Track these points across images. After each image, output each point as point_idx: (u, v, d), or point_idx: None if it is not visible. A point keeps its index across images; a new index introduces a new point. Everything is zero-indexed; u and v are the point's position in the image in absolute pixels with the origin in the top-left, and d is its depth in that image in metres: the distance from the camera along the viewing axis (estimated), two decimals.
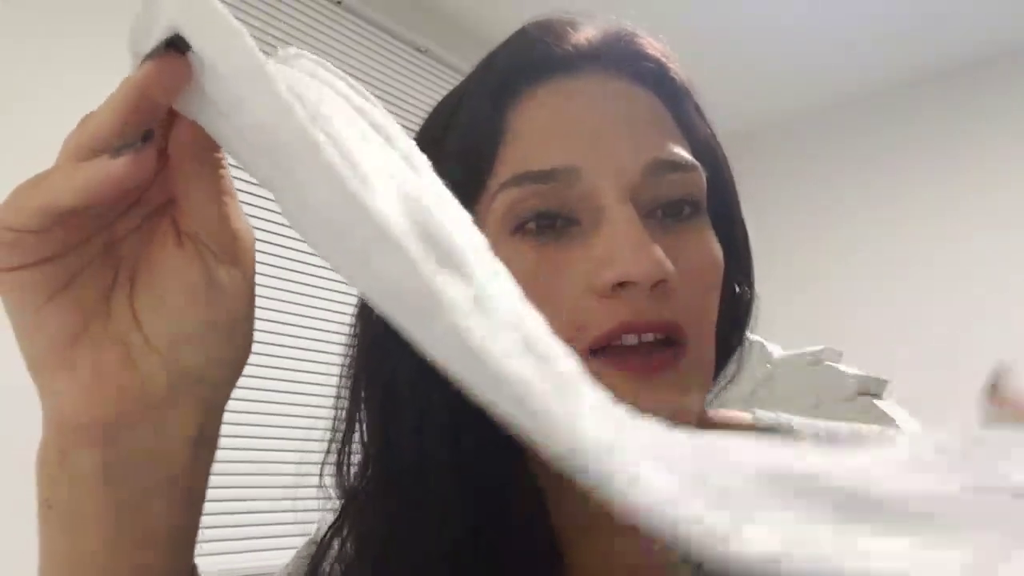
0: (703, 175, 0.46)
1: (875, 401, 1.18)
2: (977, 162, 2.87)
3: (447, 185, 0.36)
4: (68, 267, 0.31)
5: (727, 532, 0.19)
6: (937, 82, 2.95)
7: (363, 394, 0.48)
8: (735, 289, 0.52)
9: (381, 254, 0.25)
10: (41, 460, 0.32)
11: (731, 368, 0.54)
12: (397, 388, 0.45)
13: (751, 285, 0.53)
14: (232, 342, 0.34)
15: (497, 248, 0.38)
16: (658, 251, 0.41)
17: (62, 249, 0.30)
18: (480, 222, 0.44)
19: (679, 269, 0.43)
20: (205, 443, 0.34)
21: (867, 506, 0.21)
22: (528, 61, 0.47)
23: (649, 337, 0.42)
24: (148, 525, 0.33)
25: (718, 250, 0.46)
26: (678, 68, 0.50)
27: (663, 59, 0.49)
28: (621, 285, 0.41)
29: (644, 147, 0.44)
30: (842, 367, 1.24)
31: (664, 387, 0.42)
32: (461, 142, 0.47)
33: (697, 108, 0.50)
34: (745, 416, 0.57)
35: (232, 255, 0.34)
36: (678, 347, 0.43)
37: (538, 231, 0.44)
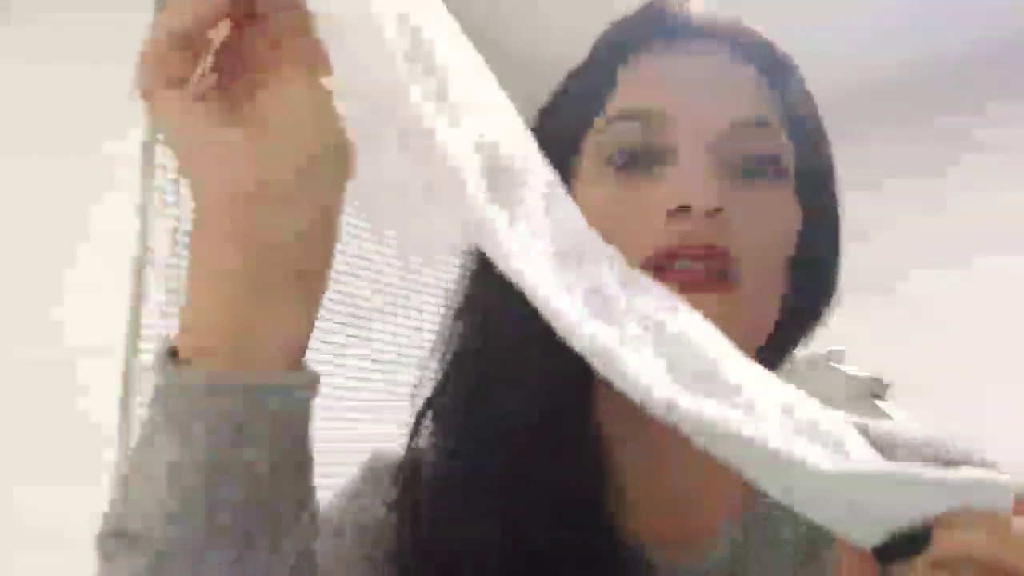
0: (790, 145, 0.51)
1: (877, 402, 1.18)
2: (978, 159, 2.87)
3: (566, 120, 0.53)
4: (202, 86, 0.38)
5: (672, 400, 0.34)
6: (931, 78, 2.94)
7: (464, 314, 0.56)
8: (816, 268, 0.54)
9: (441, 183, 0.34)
10: (191, 232, 0.39)
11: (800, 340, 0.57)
12: (491, 312, 0.53)
13: (834, 268, 0.56)
14: (339, 131, 0.39)
15: (591, 175, 0.53)
16: (714, 185, 0.47)
17: (193, 71, 0.38)
18: (586, 153, 0.53)
19: (748, 221, 0.48)
20: (317, 239, 0.40)
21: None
22: (643, 27, 0.54)
23: (700, 265, 0.47)
24: (263, 290, 0.38)
25: (790, 216, 0.51)
26: (783, 50, 0.54)
27: (768, 39, 0.54)
28: (679, 210, 0.47)
29: (732, 105, 0.50)
30: (844, 368, 1.24)
31: (700, 307, 0.44)
32: (580, 88, 0.55)
33: (801, 89, 0.54)
34: None
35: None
36: (729, 282, 0.47)
37: (625, 164, 0.50)
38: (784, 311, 0.52)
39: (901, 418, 1.13)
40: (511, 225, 0.36)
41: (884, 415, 1.13)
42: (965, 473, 0.32)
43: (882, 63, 2.92)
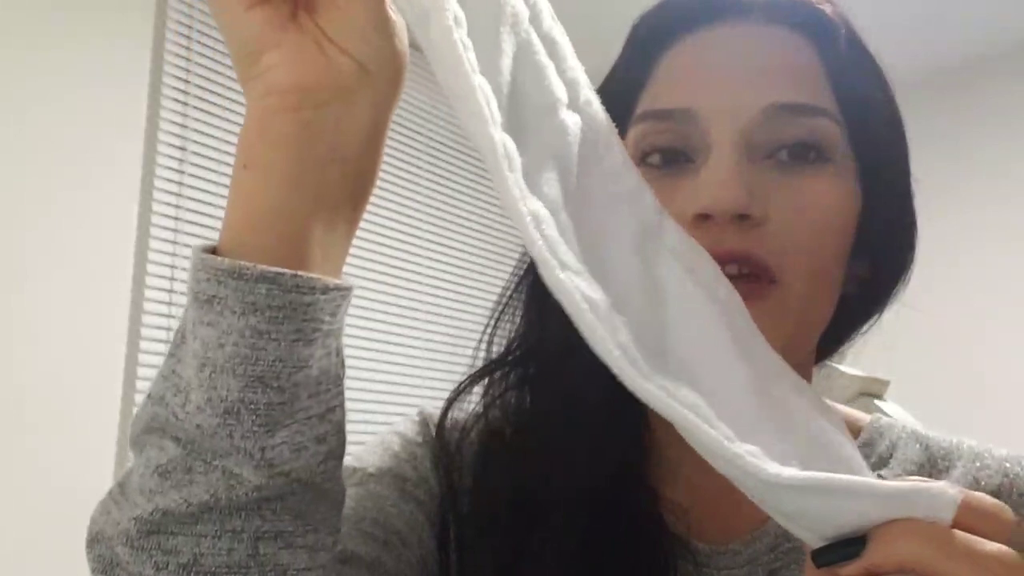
0: (837, 124, 0.48)
1: (876, 402, 1.18)
2: (982, 161, 2.87)
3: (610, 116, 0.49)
4: None
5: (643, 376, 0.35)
6: (928, 84, 2.94)
7: (526, 289, 0.55)
8: (882, 248, 0.52)
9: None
10: (243, 134, 0.39)
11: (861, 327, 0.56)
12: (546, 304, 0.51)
13: (902, 250, 0.54)
14: (394, 38, 0.40)
15: None
16: (743, 188, 0.45)
17: None
18: (629, 147, 0.51)
19: (784, 210, 0.46)
20: (372, 145, 0.40)
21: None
22: (678, 13, 0.52)
23: (733, 269, 0.45)
24: (319, 193, 0.38)
25: (840, 200, 0.48)
26: (843, 18, 0.51)
27: (823, 8, 0.51)
28: (705, 217, 0.45)
29: (767, 91, 0.47)
30: (843, 367, 1.24)
31: None
32: (617, 83, 0.54)
33: (864, 62, 0.51)
34: (862, 417, 0.57)
35: None
36: (764, 283, 0.45)
37: (661, 163, 0.49)
38: (849, 296, 0.51)
39: (901, 417, 1.12)
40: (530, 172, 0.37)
41: (883, 414, 1.13)
42: (909, 483, 0.32)
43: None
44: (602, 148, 0.42)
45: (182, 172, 2.15)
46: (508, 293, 0.56)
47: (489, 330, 0.55)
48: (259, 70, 0.38)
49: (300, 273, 0.37)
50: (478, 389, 0.56)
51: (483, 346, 0.55)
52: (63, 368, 1.81)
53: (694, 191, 0.46)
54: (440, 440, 0.54)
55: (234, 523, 0.37)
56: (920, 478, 0.33)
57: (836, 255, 0.48)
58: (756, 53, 0.49)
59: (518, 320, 0.55)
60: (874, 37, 0.53)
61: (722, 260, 0.44)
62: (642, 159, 0.49)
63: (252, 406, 0.36)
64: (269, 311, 0.36)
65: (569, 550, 0.48)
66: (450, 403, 0.56)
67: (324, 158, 0.38)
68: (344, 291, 0.39)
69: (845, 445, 0.37)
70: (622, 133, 0.50)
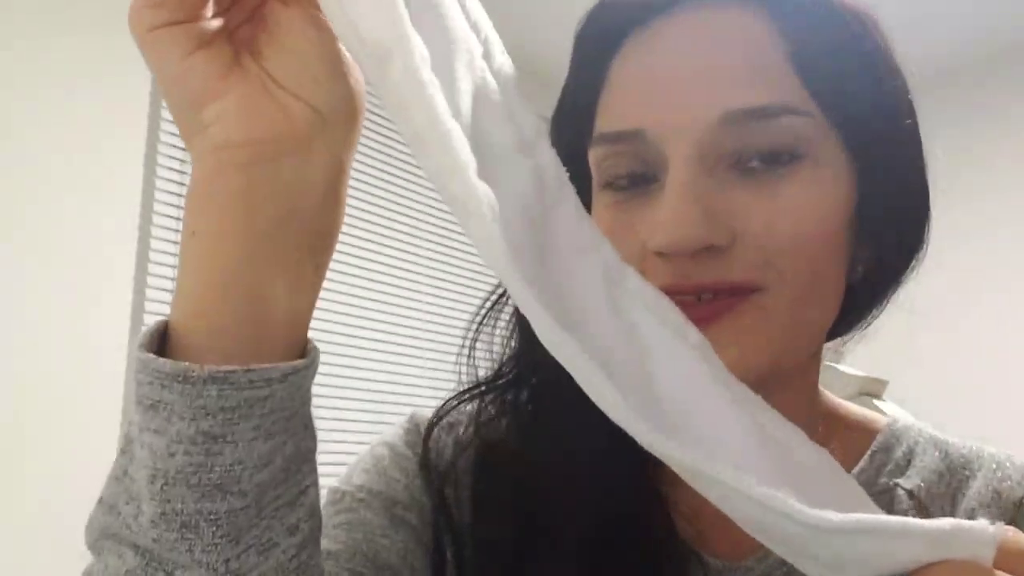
0: (805, 117, 0.43)
1: (875, 401, 1.18)
2: (980, 160, 2.87)
3: (576, 137, 0.48)
4: (202, 31, 0.35)
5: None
6: (931, 81, 2.95)
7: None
8: (889, 235, 0.49)
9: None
10: (190, 194, 0.35)
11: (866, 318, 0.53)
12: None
13: (911, 227, 0.50)
14: (349, 78, 0.37)
15: (596, 199, 0.48)
16: (702, 218, 0.42)
17: (195, 13, 0.34)
18: (592, 171, 0.48)
19: (758, 222, 0.43)
20: (332, 196, 0.37)
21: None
22: (621, 12, 0.47)
23: (708, 296, 0.43)
24: (277, 257, 0.35)
25: (818, 196, 0.44)
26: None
27: None
28: (660, 254, 0.43)
29: (719, 97, 0.43)
30: (842, 367, 1.24)
31: (718, 339, 0.40)
32: (571, 100, 0.50)
33: (840, 33, 0.46)
34: (878, 419, 0.55)
35: None
36: (742, 295, 0.43)
37: (624, 187, 0.46)
38: (857, 282, 0.48)
39: (900, 417, 1.12)
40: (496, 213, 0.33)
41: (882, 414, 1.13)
42: (945, 522, 0.31)
43: None
44: (558, 192, 0.39)
45: (183, 172, 2.15)
46: (491, 302, 0.53)
47: (470, 341, 0.52)
48: (202, 123, 0.34)
49: (254, 367, 0.34)
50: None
51: (465, 356, 0.53)
52: (64, 372, 1.82)
53: (651, 223, 0.43)
54: (427, 459, 0.51)
55: None
56: (956, 520, 0.31)
57: (829, 252, 0.45)
58: (705, 50, 0.44)
59: (502, 330, 0.52)
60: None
61: (693, 292, 0.43)
62: (604, 185, 0.47)
63: (211, 516, 0.34)
64: (222, 414, 0.33)
65: (580, 568, 0.46)
66: (438, 419, 0.53)
67: (280, 217, 0.35)
68: (308, 365, 0.36)
69: (842, 474, 0.36)
70: (584, 153, 0.48)
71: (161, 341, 0.36)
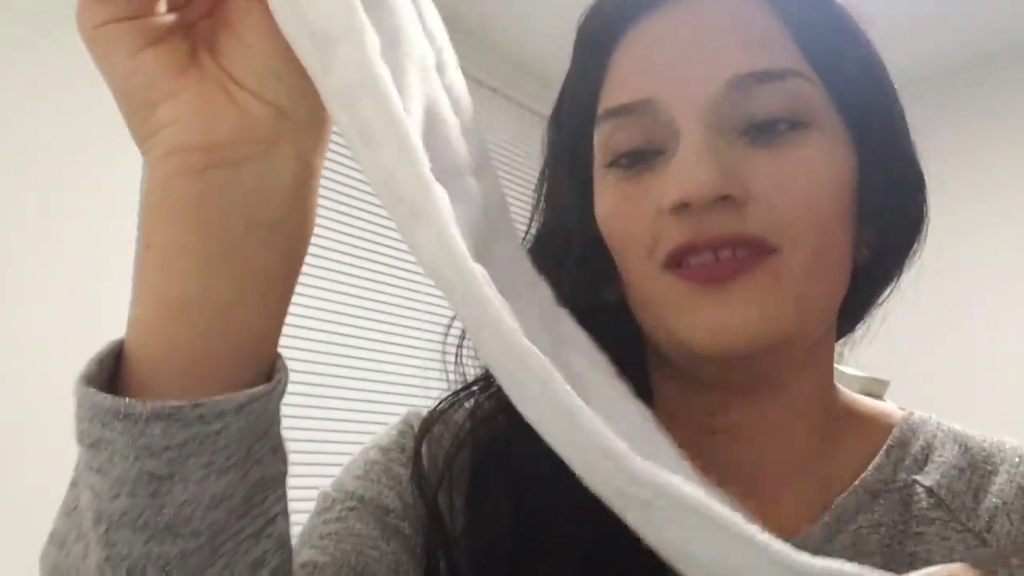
0: (810, 82, 0.44)
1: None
2: (980, 160, 2.87)
3: (573, 123, 0.49)
4: (154, 27, 0.32)
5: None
6: (933, 82, 2.94)
7: None
8: (888, 210, 0.48)
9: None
10: (144, 204, 0.32)
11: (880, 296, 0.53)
12: (561, 285, 0.48)
13: (909, 210, 0.50)
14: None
15: (600, 180, 0.48)
16: (717, 169, 0.42)
17: (146, 8, 0.32)
18: (597, 153, 0.48)
19: (771, 183, 0.43)
20: (300, 203, 0.34)
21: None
22: (622, 3, 0.48)
23: (726, 254, 0.42)
24: (240, 272, 0.32)
25: (827, 161, 0.44)
26: None
27: None
28: (683, 205, 0.42)
29: (724, 64, 0.44)
30: (842, 367, 1.24)
31: (737, 297, 0.42)
32: (574, 90, 0.51)
33: (831, 15, 0.48)
34: (893, 412, 0.54)
35: None
36: (762, 253, 0.43)
37: (628, 161, 0.46)
38: (861, 266, 0.48)
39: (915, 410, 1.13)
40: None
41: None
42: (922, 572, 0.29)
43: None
44: (502, 221, 0.37)
45: None
46: None
47: (457, 340, 0.51)
48: (155, 126, 0.32)
49: (202, 400, 0.31)
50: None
51: (453, 356, 0.51)
52: (63, 371, 1.81)
53: (668, 181, 0.43)
54: (420, 469, 0.49)
55: None
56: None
57: (838, 221, 0.45)
58: (709, 27, 0.45)
59: None
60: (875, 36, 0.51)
61: (711, 246, 0.42)
62: (611, 163, 0.47)
63: (160, 561, 0.31)
64: (167, 452, 0.30)
65: (584, 571, 0.45)
66: (428, 427, 0.51)
67: (242, 228, 0.32)
68: (271, 390, 0.33)
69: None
70: (588, 140, 0.48)
71: (116, 364, 0.33)
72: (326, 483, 0.51)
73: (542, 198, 0.54)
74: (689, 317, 0.43)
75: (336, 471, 0.52)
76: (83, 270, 1.89)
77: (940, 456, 0.50)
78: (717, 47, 0.45)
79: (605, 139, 0.47)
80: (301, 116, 0.33)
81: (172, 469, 0.31)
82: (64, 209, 1.86)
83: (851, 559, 0.45)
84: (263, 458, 0.34)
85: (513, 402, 0.29)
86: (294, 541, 0.48)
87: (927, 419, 0.53)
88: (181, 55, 0.32)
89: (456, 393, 0.52)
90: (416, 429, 0.52)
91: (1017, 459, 0.50)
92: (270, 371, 0.34)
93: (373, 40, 0.30)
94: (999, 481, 0.49)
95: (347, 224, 2.40)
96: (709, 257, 0.43)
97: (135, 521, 0.31)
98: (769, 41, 0.45)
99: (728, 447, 0.48)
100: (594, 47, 0.49)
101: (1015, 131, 2.86)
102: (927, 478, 0.49)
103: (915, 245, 0.51)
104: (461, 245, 0.29)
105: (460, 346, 0.51)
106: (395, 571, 0.45)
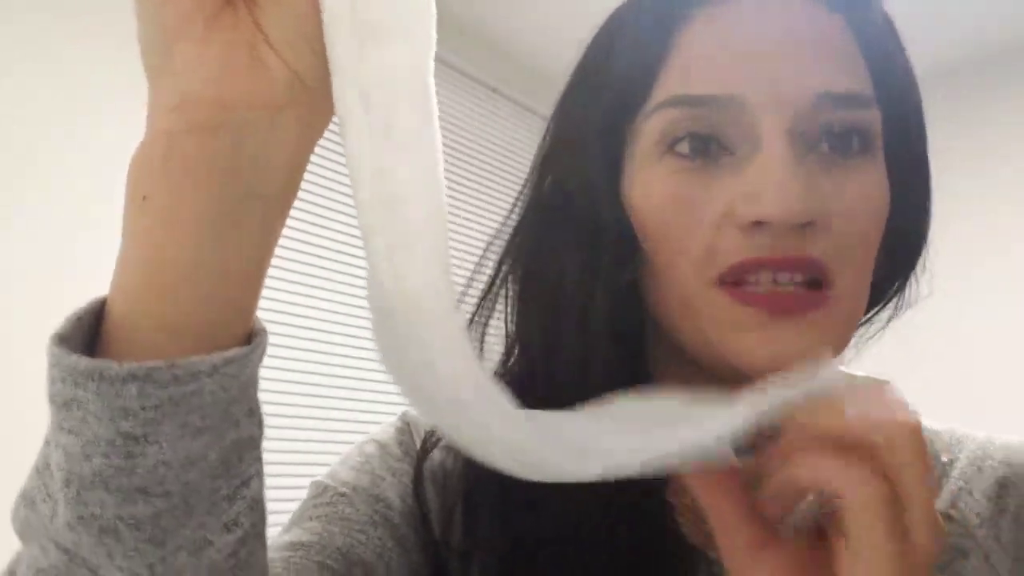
0: (879, 112, 0.44)
1: None
2: (977, 160, 2.86)
3: (607, 101, 0.45)
4: None
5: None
6: (935, 82, 2.94)
7: (519, 289, 0.50)
8: (900, 234, 0.48)
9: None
10: (143, 156, 0.31)
11: (884, 315, 0.53)
12: (564, 285, 0.47)
13: (922, 233, 0.51)
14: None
15: (648, 166, 0.45)
16: (805, 192, 0.41)
17: None
18: (634, 139, 0.46)
19: (836, 209, 0.42)
20: (292, 180, 0.34)
21: None
22: None
23: (786, 278, 0.42)
24: (238, 232, 0.32)
25: (884, 192, 0.45)
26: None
27: None
28: (758, 224, 0.41)
29: (815, 77, 0.43)
30: (843, 368, 1.24)
31: (796, 331, 0.41)
32: (626, 60, 0.47)
33: (893, 38, 0.48)
34: None
35: None
36: (823, 290, 0.42)
37: (690, 153, 0.44)
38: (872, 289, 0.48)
39: None
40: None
41: None
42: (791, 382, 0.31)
43: None
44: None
45: None
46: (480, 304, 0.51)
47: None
48: (173, 67, 0.31)
49: (179, 361, 0.30)
50: None
51: None
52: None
53: (746, 191, 0.42)
54: (420, 474, 0.50)
55: None
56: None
57: (875, 250, 0.45)
58: (796, 30, 0.44)
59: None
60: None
61: (779, 267, 0.42)
62: (668, 147, 0.44)
63: (132, 521, 0.31)
64: (143, 413, 0.30)
65: (593, 568, 0.45)
66: (436, 439, 0.51)
67: (242, 194, 0.31)
68: (250, 352, 0.33)
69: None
70: (634, 116, 0.46)
71: (95, 322, 0.33)
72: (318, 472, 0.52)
73: (541, 170, 0.52)
74: (747, 340, 0.42)
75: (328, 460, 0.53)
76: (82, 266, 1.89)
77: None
78: (811, 57, 0.43)
79: (668, 124, 0.44)
80: (319, 87, 0.32)
81: (147, 430, 0.30)
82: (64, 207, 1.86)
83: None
84: (239, 420, 0.33)
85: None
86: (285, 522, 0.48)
87: (942, 429, 0.55)
88: (215, 6, 0.31)
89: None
90: (412, 428, 0.52)
91: (975, 446, 0.53)
92: (248, 335, 0.34)
93: (432, 49, 0.30)
94: (959, 466, 0.51)
95: (329, 219, 2.36)
96: (768, 279, 0.42)
97: (108, 482, 0.30)
98: (853, 60, 0.44)
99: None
100: (657, 21, 0.46)
101: (1018, 131, 2.85)
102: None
103: (915, 266, 0.52)
104: (448, 276, 0.29)
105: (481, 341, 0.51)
106: (380, 556, 0.46)
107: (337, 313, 2.35)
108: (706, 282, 0.43)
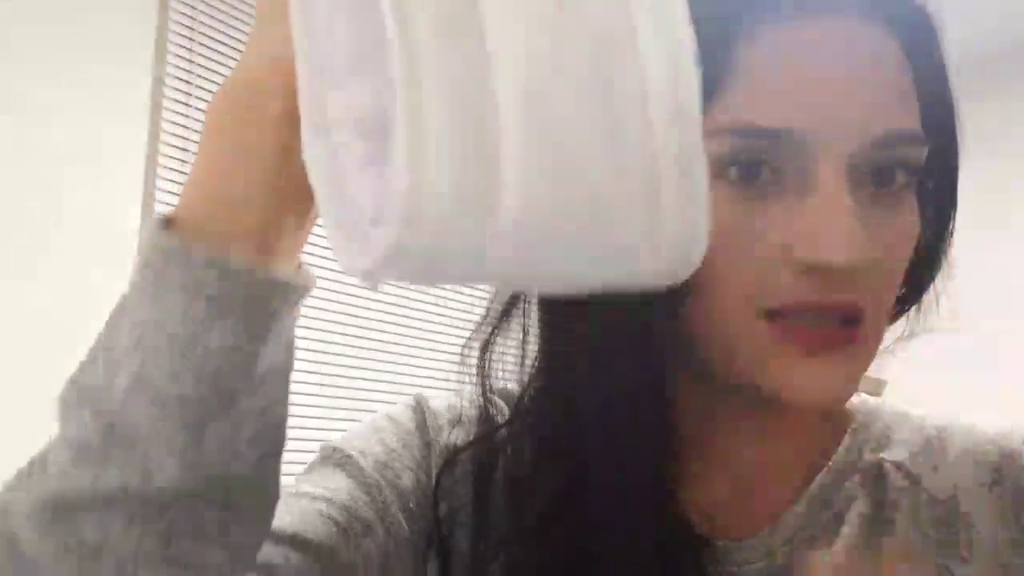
0: (926, 147, 0.44)
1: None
2: (977, 160, 2.86)
3: None
4: None
5: None
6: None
7: (545, 307, 0.50)
8: (922, 260, 0.49)
9: None
10: (228, 97, 0.34)
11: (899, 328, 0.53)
12: (592, 304, 0.46)
13: (941, 253, 0.52)
14: None
15: None
16: (868, 242, 0.41)
17: None
18: None
19: (889, 243, 0.43)
20: None
21: None
22: None
23: (835, 321, 0.43)
24: (300, 197, 0.34)
25: (916, 225, 0.45)
26: (935, 15, 0.47)
27: (922, 4, 0.46)
28: (815, 268, 0.41)
29: (877, 115, 0.42)
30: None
31: (833, 366, 0.42)
32: None
33: (946, 68, 0.47)
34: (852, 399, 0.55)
35: None
36: (853, 327, 0.43)
37: (740, 180, 0.42)
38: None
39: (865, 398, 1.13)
40: None
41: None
42: None
43: None
44: None
45: (187, 152, 2.14)
46: (498, 311, 0.52)
47: (484, 356, 0.51)
48: (285, 15, 0.31)
49: (257, 268, 0.34)
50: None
51: (467, 365, 0.51)
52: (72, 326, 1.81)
53: (805, 232, 0.41)
54: (439, 482, 0.51)
55: (146, 514, 0.34)
56: None
57: (900, 281, 0.46)
58: (858, 63, 0.43)
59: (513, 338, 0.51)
60: None
61: (828, 310, 0.42)
62: (718, 173, 0.42)
63: (182, 398, 0.33)
64: (219, 301, 0.33)
65: (604, 560, 0.46)
66: (457, 454, 0.52)
67: (302, 173, 0.34)
68: (302, 289, 0.36)
69: None
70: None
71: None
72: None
73: None
74: (790, 375, 0.43)
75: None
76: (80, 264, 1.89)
77: (899, 435, 0.53)
78: (875, 92, 0.43)
79: (723, 151, 0.42)
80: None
81: (217, 319, 0.33)
82: (68, 160, 1.85)
83: (832, 538, 0.49)
84: (280, 347, 0.36)
85: None
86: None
87: (879, 403, 0.56)
88: None
89: (484, 435, 0.52)
90: (425, 410, 0.54)
91: (965, 432, 0.53)
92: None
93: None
94: (953, 452, 0.52)
95: None
96: (813, 316, 0.42)
97: (172, 353, 0.33)
98: (908, 95, 0.44)
99: (729, 439, 0.50)
100: (720, 34, 0.42)
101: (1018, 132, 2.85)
102: (892, 455, 0.52)
103: (927, 289, 0.53)
104: None
105: (485, 352, 0.51)
106: (381, 518, 0.47)
107: (347, 305, 2.37)
108: (751, 315, 0.43)
